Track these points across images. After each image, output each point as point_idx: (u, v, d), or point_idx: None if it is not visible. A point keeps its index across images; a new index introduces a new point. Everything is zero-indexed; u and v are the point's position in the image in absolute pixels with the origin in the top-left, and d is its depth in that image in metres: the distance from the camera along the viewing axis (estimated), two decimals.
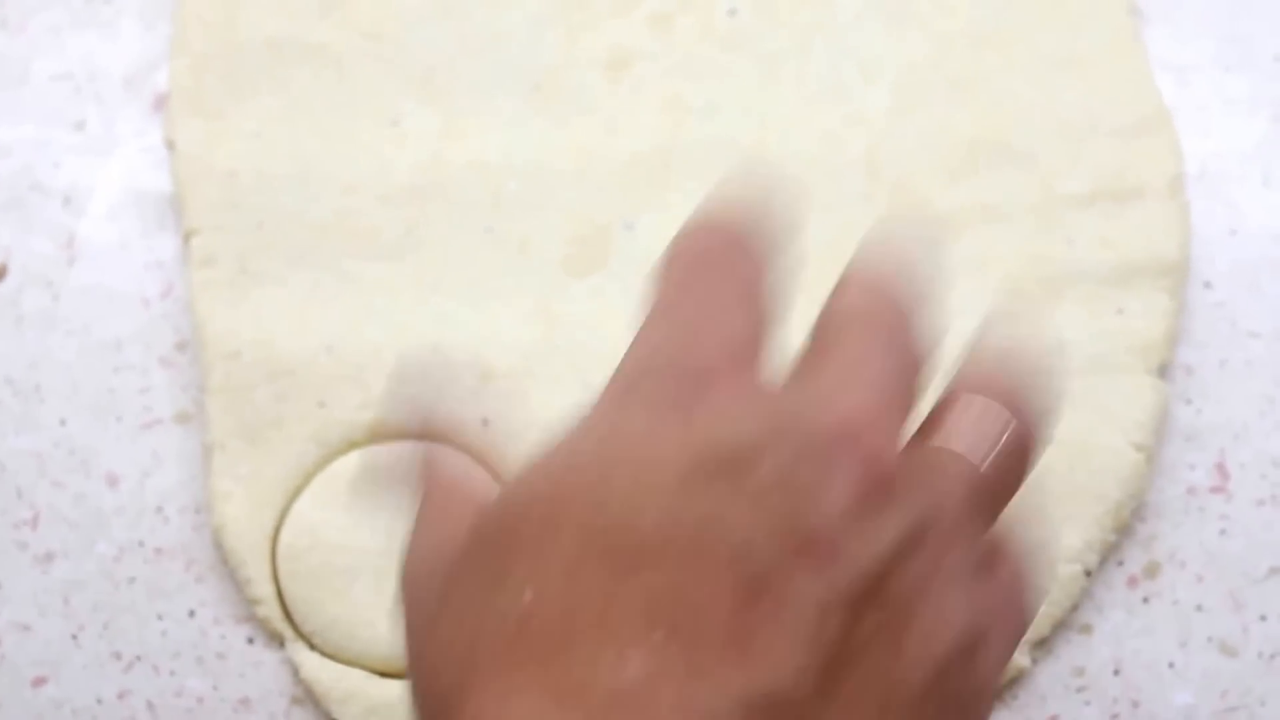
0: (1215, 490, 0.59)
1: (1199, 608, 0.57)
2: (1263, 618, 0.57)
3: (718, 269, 0.43)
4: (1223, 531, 0.58)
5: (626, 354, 0.42)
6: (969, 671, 0.38)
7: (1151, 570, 0.58)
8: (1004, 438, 0.42)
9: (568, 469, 0.38)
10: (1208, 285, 0.61)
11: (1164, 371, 0.59)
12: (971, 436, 0.42)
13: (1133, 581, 0.58)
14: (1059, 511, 0.56)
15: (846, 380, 0.40)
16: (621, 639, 0.35)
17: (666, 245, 0.44)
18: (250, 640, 0.58)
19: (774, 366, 0.41)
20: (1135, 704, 0.56)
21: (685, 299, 0.43)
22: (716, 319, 0.42)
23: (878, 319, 0.42)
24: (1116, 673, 0.57)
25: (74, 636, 0.58)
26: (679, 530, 0.36)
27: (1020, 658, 0.56)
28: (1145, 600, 0.57)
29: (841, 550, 0.36)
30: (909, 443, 0.41)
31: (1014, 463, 0.42)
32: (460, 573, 0.38)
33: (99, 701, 0.57)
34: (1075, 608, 0.57)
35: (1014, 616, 0.42)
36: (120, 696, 0.57)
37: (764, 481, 0.36)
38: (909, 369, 0.42)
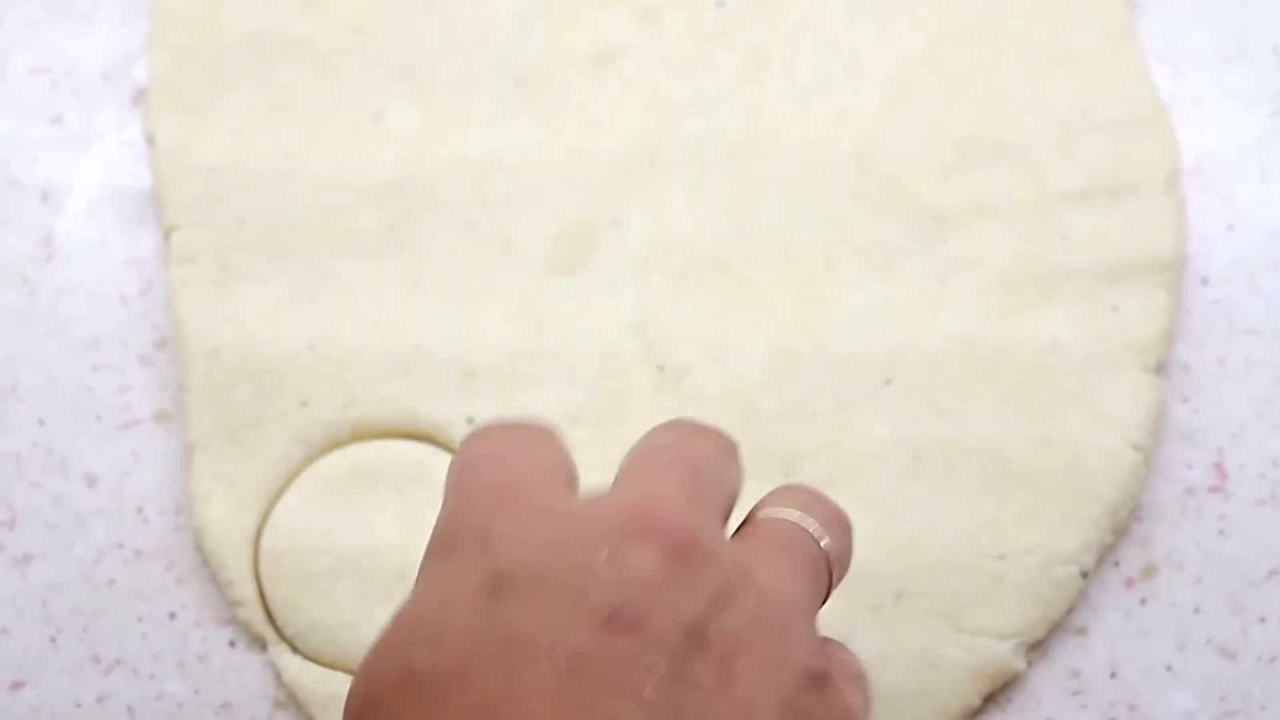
0: (1213, 490, 0.58)
1: (1197, 610, 0.57)
2: (1262, 620, 0.57)
3: (505, 432, 0.47)
4: (1221, 532, 0.58)
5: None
6: (819, 704, 0.41)
7: (1149, 572, 0.57)
8: (828, 509, 0.46)
9: (381, 644, 0.41)
10: (1205, 282, 0.61)
11: (1161, 370, 0.59)
12: (797, 506, 0.46)
13: (1130, 583, 0.57)
14: (1054, 512, 0.56)
15: (644, 481, 0.43)
16: None
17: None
18: (232, 643, 0.57)
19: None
20: (1132, 707, 0.56)
21: (474, 459, 0.45)
22: (525, 450, 0.45)
23: (673, 443, 0.46)
24: (1113, 675, 0.56)
25: (52, 640, 0.57)
26: (486, 648, 0.39)
27: (1015, 660, 0.55)
28: (1143, 602, 0.57)
29: (651, 615, 0.39)
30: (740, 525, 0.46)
31: (839, 533, 0.46)
32: None
33: (78, 706, 0.57)
34: (1071, 610, 0.56)
35: (854, 670, 0.46)
36: (100, 700, 0.57)
37: (560, 578, 0.39)
38: (708, 470, 0.45)
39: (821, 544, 0.45)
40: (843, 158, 0.62)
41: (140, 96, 0.65)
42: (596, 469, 0.57)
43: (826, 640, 0.44)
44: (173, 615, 0.58)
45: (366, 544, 0.57)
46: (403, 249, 0.61)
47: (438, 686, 0.39)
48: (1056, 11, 0.64)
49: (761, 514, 0.46)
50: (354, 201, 0.62)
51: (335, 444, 0.59)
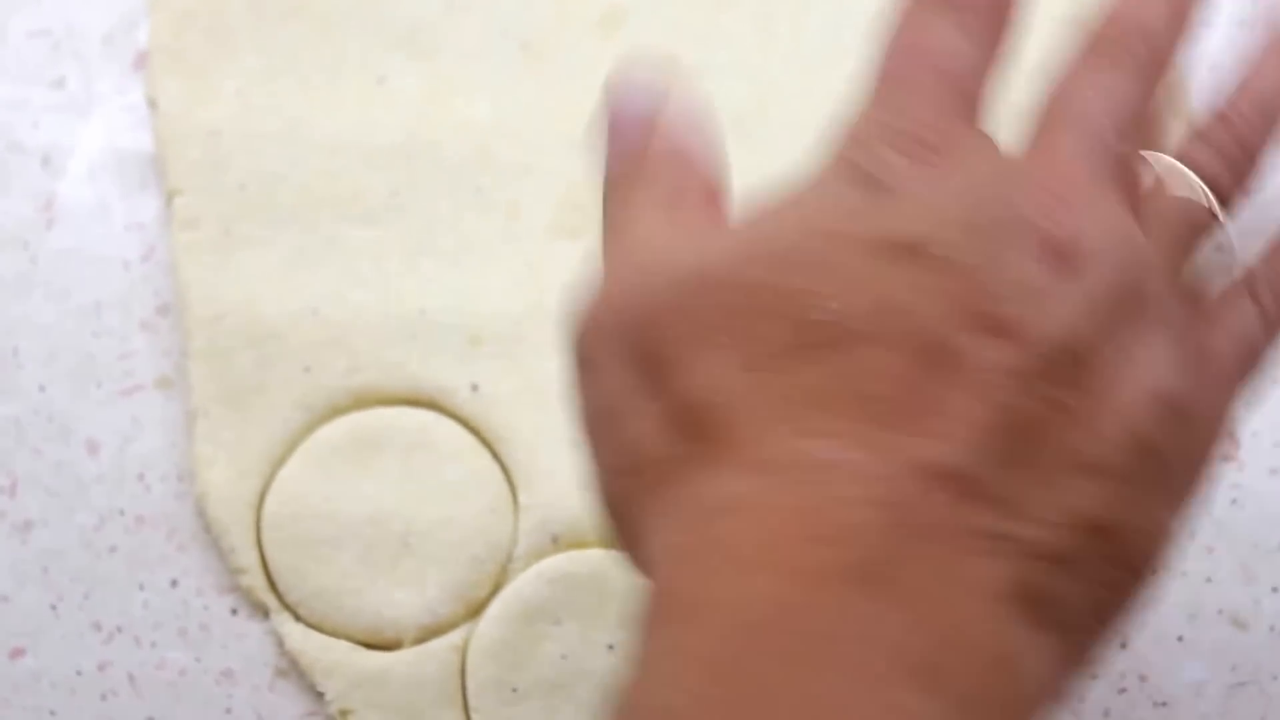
0: (1225, 459, 0.58)
1: (1208, 579, 0.57)
2: (1274, 589, 0.56)
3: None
4: (1233, 501, 0.57)
5: (844, 122, 0.43)
6: (1169, 441, 0.38)
7: None
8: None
9: (755, 244, 0.40)
10: (1219, 250, 0.60)
11: None
12: (1213, 174, 0.45)
13: None
14: None
15: (1061, 152, 0.41)
16: (801, 423, 0.36)
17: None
18: (234, 611, 0.57)
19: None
20: (1143, 678, 0.55)
21: (913, 49, 0.43)
22: (950, 60, 0.43)
23: (1098, 107, 0.43)
24: (1124, 646, 0.56)
25: (53, 607, 0.57)
26: (863, 309, 0.37)
27: None
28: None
29: (1022, 322, 0.37)
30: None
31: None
32: (641, 349, 0.40)
33: (78, 673, 0.56)
34: None
35: (1232, 377, 0.43)
36: (100, 668, 0.56)
37: (950, 262, 0.38)
38: (1129, 127, 0.43)
39: (1225, 229, 0.44)
40: None
41: (142, 60, 0.64)
42: None
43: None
44: (174, 583, 0.57)
45: (370, 511, 0.57)
46: (407, 214, 0.61)
47: (808, 322, 0.38)
48: None
49: (1169, 192, 0.44)
50: (358, 166, 0.61)
51: (338, 410, 0.58)
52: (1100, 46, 0.44)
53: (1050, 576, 0.37)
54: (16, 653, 0.56)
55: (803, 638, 0.35)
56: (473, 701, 0.55)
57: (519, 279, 0.60)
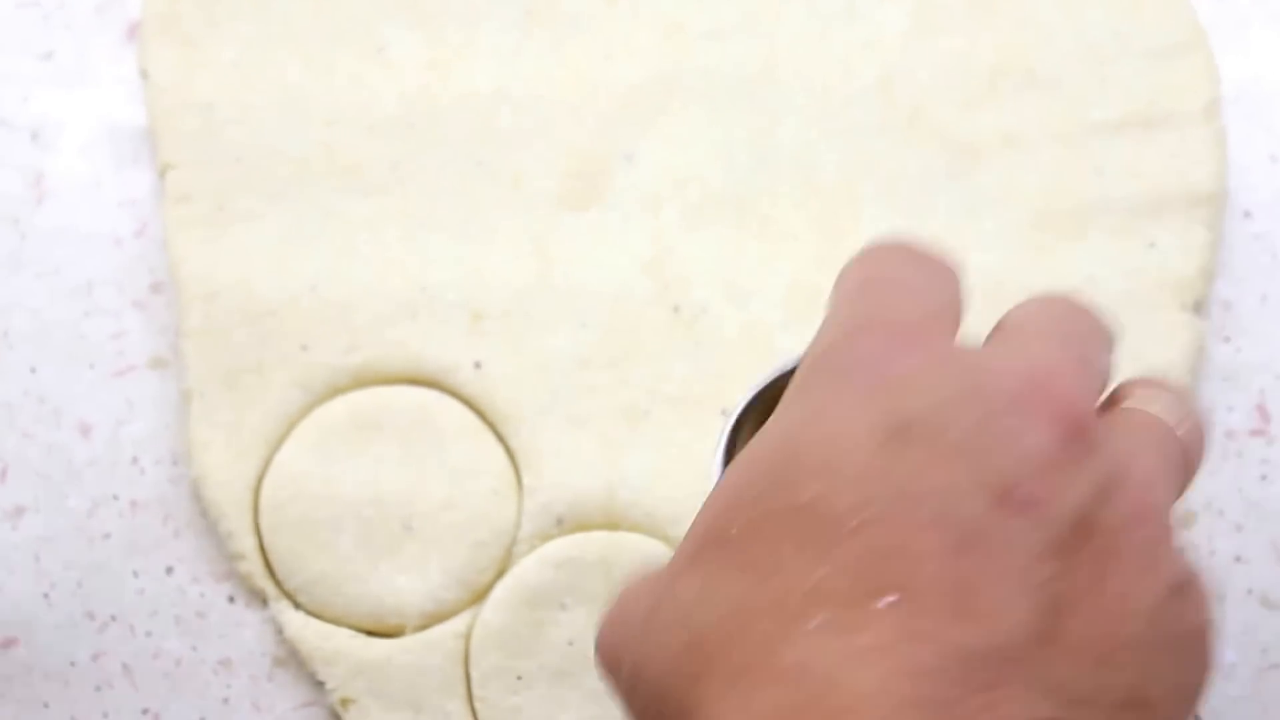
0: (1255, 433, 0.57)
1: (1238, 558, 0.56)
2: None
3: (910, 259, 0.45)
4: (1263, 477, 0.56)
5: (820, 329, 0.43)
6: (1184, 613, 0.39)
7: (1187, 519, 0.56)
8: (1191, 413, 0.44)
9: (760, 462, 0.40)
10: (1247, 215, 0.60)
11: (1200, 308, 0.58)
12: (1165, 404, 0.44)
13: None
14: None
15: (1038, 349, 0.42)
16: (835, 615, 0.36)
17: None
18: (231, 598, 0.57)
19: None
20: None
21: (874, 281, 0.44)
22: (928, 284, 0.44)
23: (1058, 317, 0.44)
24: None
25: (45, 595, 0.56)
26: (878, 499, 0.37)
27: None
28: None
29: (1045, 498, 0.38)
30: (1099, 410, 0.43)
31: (1198, 439, 0.45)
32: (672, 587, 0.40)
33: (72, 664, 0.56)
34: None
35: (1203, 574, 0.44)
36: (94, 658, 0.56)
37: (960, 439, 0.38)
38: (1090, 353, 0.44)
39: (1185, 447, 0.44)
40: (867, 87, 0.60)
41: (134, 30, 0.63)
42: (611, 414, 0.56)
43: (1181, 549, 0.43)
44: (170, 569, 0.57)
45: (370, 494, 0.56)
46: (407, 186, 0.60)
47: (826, 526, 0.37)
48: None
49: (1127, 404, 0.44)
50: (356, 137, 0.60)
51: (337, 390, 0.57)
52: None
53: None
54: (8, 643, 0.56)
55: None
56: (477, 690, 0.54)
57: (523, 252, 0.59)
